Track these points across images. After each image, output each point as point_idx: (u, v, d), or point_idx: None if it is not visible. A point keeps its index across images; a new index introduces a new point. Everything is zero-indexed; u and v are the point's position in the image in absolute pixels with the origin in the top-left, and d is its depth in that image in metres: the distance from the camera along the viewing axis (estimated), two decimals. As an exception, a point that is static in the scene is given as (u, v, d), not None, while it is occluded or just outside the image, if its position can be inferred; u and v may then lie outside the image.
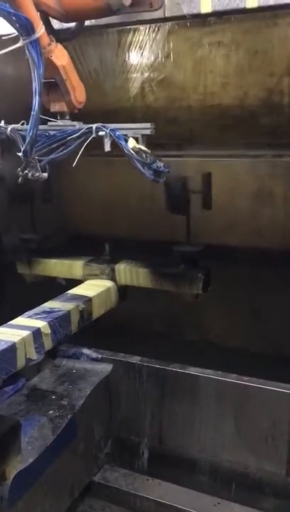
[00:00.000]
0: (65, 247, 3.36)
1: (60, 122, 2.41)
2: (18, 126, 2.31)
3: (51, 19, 2.37)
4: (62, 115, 2.42)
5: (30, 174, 2.28)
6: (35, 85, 1.99)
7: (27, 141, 2.15)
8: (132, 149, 2.16)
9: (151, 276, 2.88)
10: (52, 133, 2.33)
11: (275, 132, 3.10)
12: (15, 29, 1.90)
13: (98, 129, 2.23)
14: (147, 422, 2.78)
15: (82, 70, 3.38)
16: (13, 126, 2.32)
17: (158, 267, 2.89)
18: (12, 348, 2.13)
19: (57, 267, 3.09)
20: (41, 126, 2.21)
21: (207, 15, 2.38)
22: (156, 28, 3.07)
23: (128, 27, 3.04)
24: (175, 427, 2.73)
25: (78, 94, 2.39)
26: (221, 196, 3.07)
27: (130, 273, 2.91)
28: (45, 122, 2.37)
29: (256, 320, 3.40)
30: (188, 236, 2.89)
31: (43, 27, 2.04)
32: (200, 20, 2.88)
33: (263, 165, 3.23)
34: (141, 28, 3.09)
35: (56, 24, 2.44)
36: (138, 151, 2.17)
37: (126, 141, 2.19)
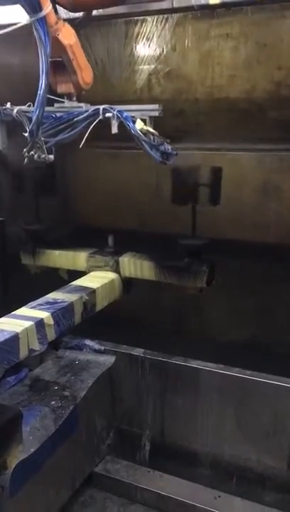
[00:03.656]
0: (69, 238, 3.36)
1: (66, 104, 2.40)
2: (24, 107, 2.31)
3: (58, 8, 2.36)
4: (69, 97, 2.42)
5: (36, 156, 2.27)
6: (42, 64, 1.99)
7: (33, 121, 2.15)
8: (140, 131, 2.15)
9: (154, 269, 2.87)
10: (58, 115, 2.32)
11: (283, 126, 3.07)
12: (23, 6, 1.90)
13: (105, 111, 2.22)
14: (149, 415, 2.78)
15: (88, 62, 3.37)
16: (19, 107, 2.32)
17: (162, 259, 2.88)
18: (15, 338, 2.13)
19: (61, 258, 3.09)
20: (48, 108, 2.21)
21: (215, 6, 2.35)
22: (164, 20, 3.04)
23: (135, 18, 3.02)
24: (177, 419, 2.74)
25: (85, 74, 2.39)
26: (227, 190, 3.05)
27: (134, 265, 2.91)
28: (51, 104, 2.35)
29: (261, 314, 3.39)
30: (193, 229, 2.88)
31: (50, 5, 2.03)
32: (208, 11, 2.85)
33: (270, 159, 3.20)
34: (149, 19, 3.06)
35: (63, 14, 2.42)
36: (146, 133, 2.16)
37: (134, 122, 2.18)
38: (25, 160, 2.30)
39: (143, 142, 2.16)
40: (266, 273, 3.28)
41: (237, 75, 3.10)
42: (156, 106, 2.27)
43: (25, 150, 2.27)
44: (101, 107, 2.23)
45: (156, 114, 2.25)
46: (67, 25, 2.24)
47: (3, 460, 1.88)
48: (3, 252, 2.65)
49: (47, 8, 1.99)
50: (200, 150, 3.37)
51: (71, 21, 2.41)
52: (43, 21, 1.95)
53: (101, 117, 2.22)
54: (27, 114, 2.26)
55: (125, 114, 2.19)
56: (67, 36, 2.23)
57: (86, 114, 2.25)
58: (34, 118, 2.14)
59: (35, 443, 2.12)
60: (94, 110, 2.25)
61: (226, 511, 2.49)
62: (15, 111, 2.31)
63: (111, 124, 2.20)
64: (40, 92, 2.05)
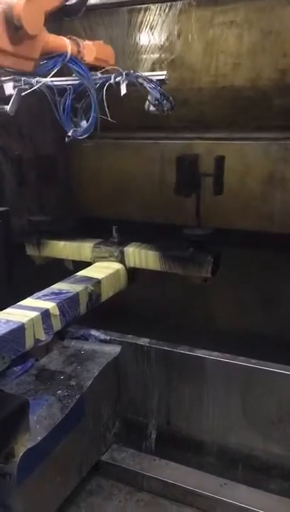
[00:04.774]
0: (74, 229, 3.37)
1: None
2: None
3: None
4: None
5: None
6: (90, 90, 2.21)
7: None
8: None
9: (159, 259, 2.87)
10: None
11: (288, 114, 3.06)
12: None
13: (116, 75, 2.30)
14: (155, 403, 2.79)
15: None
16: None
17: (167, 249, 2.88)
18: (21, 329, 2.14)
19: (66, 249, 3.09)
20: (60, 78, 2.29)
21: (219, -7, 2.33)
22: (167, 8, 3.03)
23: (139, 6, 3.01)
24: (182, 408, 2.75)
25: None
26: (232, 180, 3.04)
27: (139, 255, 2.91)
28: None
29: (266, 304, 3.39)
30: (198, 219, 2.87)
31: (70, 44, 2.20)
32: (212, -2, 2.84)
33: (275, 148, 3.19)
34: (152, 7, 3.04)
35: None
36: None
37: None
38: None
39: (145, 82, 2.27)
40: (271, 262, 3.28)
41: (241, 63, 3.09)
42: (163, 72, 2.36)
43: None
44: (112, 74, 2.32)
45: (162, 77, 2.33)
46: (86, 43, 2.34)
47: (11, 448, 1.90)
48: (8, 243, 2.65)
49: (68, 47, 2.17)
50: (205, 139, 3.37)
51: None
52: (73, 58, 2.15)
53: (112, 81, 2.30)
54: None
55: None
56: (90, 54, 2.36)
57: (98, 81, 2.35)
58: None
59: (42, 432, 2.14)
60: (105, 77, 2.34)
61: (232, 499, 2.51)
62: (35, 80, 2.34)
63: (121, 86, 2.28)
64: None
